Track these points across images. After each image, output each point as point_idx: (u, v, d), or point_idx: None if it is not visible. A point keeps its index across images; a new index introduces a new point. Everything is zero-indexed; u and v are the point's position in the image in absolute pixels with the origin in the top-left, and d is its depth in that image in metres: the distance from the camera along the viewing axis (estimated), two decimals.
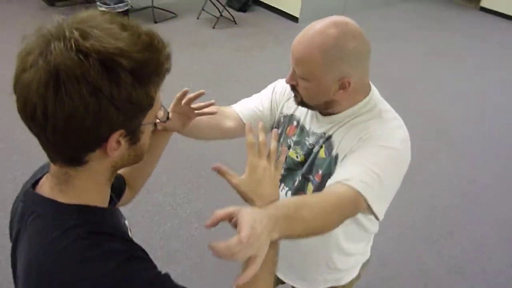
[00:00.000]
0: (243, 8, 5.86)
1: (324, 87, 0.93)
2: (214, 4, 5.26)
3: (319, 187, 1.03)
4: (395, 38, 5.46)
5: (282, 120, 1.17)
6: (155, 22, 5.13)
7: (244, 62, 4.47)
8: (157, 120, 0.69)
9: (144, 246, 0.66)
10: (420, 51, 5.19)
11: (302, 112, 1.11)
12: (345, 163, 0.96)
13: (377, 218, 0.94)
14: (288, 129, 1.14)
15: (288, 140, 1.13)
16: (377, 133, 0.95)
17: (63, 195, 0.63)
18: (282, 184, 1.15)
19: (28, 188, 0.68)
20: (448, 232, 2.64)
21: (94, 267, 0.57)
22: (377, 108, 1.01)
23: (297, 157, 1.10)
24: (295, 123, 1.13)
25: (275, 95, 1.19)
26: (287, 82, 1.00)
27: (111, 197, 0.75)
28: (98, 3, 4.46)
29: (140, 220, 2.46)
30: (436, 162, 3.27)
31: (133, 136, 0.63)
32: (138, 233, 2.39)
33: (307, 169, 1.06)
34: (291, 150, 1.12)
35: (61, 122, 0.54)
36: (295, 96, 1.02)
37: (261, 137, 0.80)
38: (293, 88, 1.00)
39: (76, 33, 0.53)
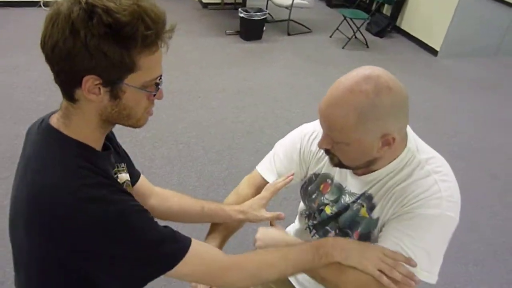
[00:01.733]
0: (380, 33, 5.69)
1: (366, 148, 0.85)
2: (349, 25, 5.24)
3: None
4: None
5: (313, 178, 1.11)
6: (289, 34, 5.36)
7: None
8: (149, 91, 0.74)
9: None
10: None
11: (334, 169, 1.05)
12: (388, 237, 0.92)
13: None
14: (322, 186, 1.09)
15: (322, 198, 1.09)
16: (419, 198, 0.89)
17: (66, 128, 0.74)
18: (314, 231, 1.15)
19: (45, 118, 0.79)
20: None
21: (89, 194, 0.68)
22: (416, 160, 0.92)
23: (331, 212, 1.07)
24: (328, 181, 1.07)
25: (302, 156, 1.11)
26: (320, 147, 0.92)
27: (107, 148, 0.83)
28: (239, 9, 4.87)
29: None
30: None
31: (112, 90, 0.70)
32: None
33: (346, 224, 1.03)
34: (327, 207, 1.08)
35: (50, 50, 0.67)
36: (331, 159, 0.94)
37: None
38: (327, 151, 0.93)
39: None
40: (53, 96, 3.13)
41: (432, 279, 0.88)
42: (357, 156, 0.88)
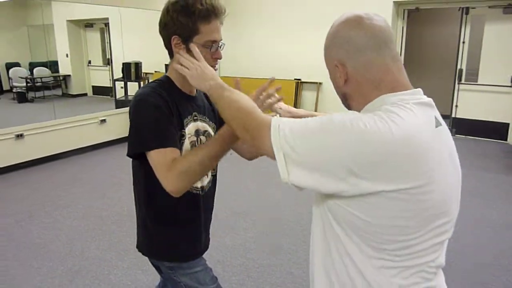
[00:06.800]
0: None
1: (332, 74, 0.92)
2: None
3: None
4: None
5: None
6: None
7: None
8: (207, 47, 1.13)
9: None
10: None
11: None
12: None
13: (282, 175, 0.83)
14: None
15: None
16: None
17: (168, 71, 1.23)
18: None
19: None
20: None
21: (143, 94, 1.14)
22: (381, 108, 0.82)
23: None
24: None
25: None
26: None
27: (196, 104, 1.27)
28: None
29: None
30: None
31: (187, 46, 1.13)
32: None
33: None
34: None
35: (159, 25, 1.15)
36: None
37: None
38: None
39: None
40: None
41: (280, 165, 0.81)
42: (334, 84, 0.93)
